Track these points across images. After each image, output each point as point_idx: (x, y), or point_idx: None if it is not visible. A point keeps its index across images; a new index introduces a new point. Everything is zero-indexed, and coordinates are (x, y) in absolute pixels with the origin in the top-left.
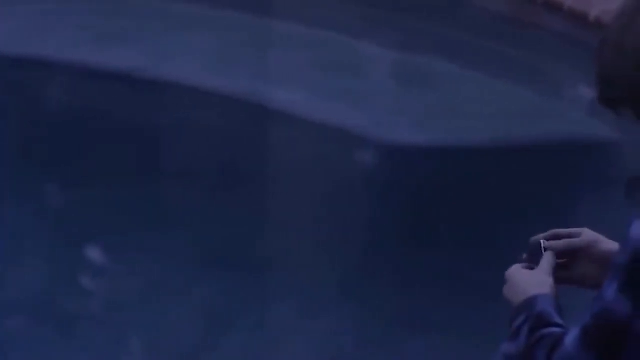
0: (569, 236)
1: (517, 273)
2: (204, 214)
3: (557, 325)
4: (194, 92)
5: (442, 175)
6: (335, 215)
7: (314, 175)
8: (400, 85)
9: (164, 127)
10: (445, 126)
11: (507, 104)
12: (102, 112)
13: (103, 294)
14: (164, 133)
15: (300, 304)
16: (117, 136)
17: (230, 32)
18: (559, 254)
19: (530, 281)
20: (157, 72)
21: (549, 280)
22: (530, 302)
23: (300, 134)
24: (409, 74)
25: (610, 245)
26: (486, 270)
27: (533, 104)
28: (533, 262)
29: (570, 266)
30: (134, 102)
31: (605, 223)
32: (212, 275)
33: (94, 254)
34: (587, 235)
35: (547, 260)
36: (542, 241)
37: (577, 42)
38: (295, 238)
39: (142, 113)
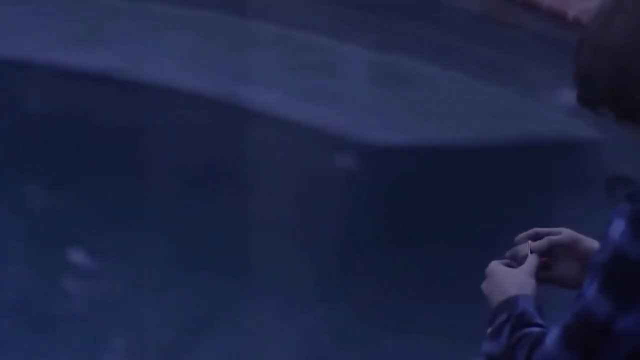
0: (549, 235)
1: (499, 270)
2: (183, 214)
3: (538, 325)
4: (171, 93)
5: (420, 174)
6: (314, 215)
7: (292, 175)
8: (377, 85)
9: (142, 128)
10: (423, 126)
11: (485, 103)
12: (81, 114)
13: (83, 295)
14: (142, 134)
15: (279, 305)
16: (96, 137)
17: (207, 33)
18: (542, 253)
19: (512, 281)
20: (135, 73)
21: (531, 282)
22: (512, 302)
23: (278, 134)
24: (386, 73)
25: (590, 243)
26: (467, 270)
27: (511, 104)
28: (516, 261)
29: (550, 266)
30: (112, 103)
31: (584, 222)
32: (192, 276)
33: (74, 255)
34: (566, 234)
35: (532, 261)
36: (529, 242)
37: (556, 41)
38: (274, 238)
39: (120, 114)
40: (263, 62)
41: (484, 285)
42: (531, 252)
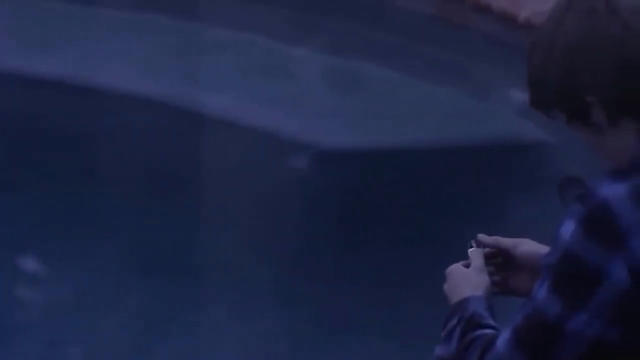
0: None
1: (455, 271)
2: (136, 220)
3: (489, 326)
4: (123, 98)
5: (373, 177)
6: (269, 219)
7: (246, 179)
8: (330, 89)
9: (94, 133)
10: (376, 129)
11: (438, 105)
12: (34, 119)
13: (36, 302)
14: (95, 139)
15: (234, 309)
16: (49, 143)
17: (159, 37)
18: (490, 253)
19: (465, 281)
20: (87, 78)
21: (484, 278)
22: (463, 304)
23: (231, 138)
24: (339, 77)
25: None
26: (422, 271)
27: (463, 106)
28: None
29: (508, 278)
30: (65, 109)
31: (537, 222)
32: (147, 281)
33: (27, 261)
34: (526, 244)
35: (477, 256)
36: (470, 242)
37: (507, 43)
38: (229, 242)
39: (73, 119)
40: (215, 66)
41: (445, 287)
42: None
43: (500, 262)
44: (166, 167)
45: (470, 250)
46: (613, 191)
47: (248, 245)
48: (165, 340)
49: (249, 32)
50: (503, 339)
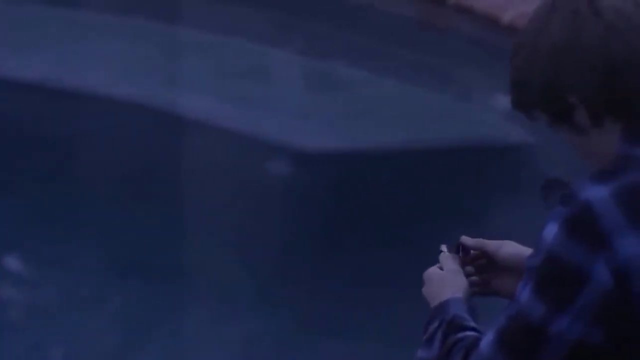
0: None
1: (432, 275)
2: (116, 223)
3: (471, 328)
4: (103, 101)
5: (353, 179)
6: (249, 221)
7: (226, 182)
8: (310, 91)
9: (75, 135)
10: (356, 131)
11: (419, 107)
12: (13, 122)
13: (18, 304)
14: (75, 142)
15: (216, 311)
16: (30, 146)
17: (138, 40)
18: (472, 256)
19: (444, 284)
20: (67, 81)
21: (463, 281)
22: (443, 307)
23: (212, 141)
24: (318, 79)
25: None
26: (403, 273)
27: (445, 108)
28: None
29: (491, 279)
30: (45, 112)
31: (521, 225)
32: (129, 284)
33: (9, 263)
34: (509, 246)
35: (446, 261)
36: (441, 246)
37: (489, 46)
38: (209, 245)
39: (53, 122)
40: (195, 69)
41: (423, 291)
42: (448, 251)
43: (484, 264)
44: (147, 170)
45: (441, 254)
46: (596, 193)
47: (229, 248)
48: (148, 343)
49: (228, 35)
50: (487, 341)
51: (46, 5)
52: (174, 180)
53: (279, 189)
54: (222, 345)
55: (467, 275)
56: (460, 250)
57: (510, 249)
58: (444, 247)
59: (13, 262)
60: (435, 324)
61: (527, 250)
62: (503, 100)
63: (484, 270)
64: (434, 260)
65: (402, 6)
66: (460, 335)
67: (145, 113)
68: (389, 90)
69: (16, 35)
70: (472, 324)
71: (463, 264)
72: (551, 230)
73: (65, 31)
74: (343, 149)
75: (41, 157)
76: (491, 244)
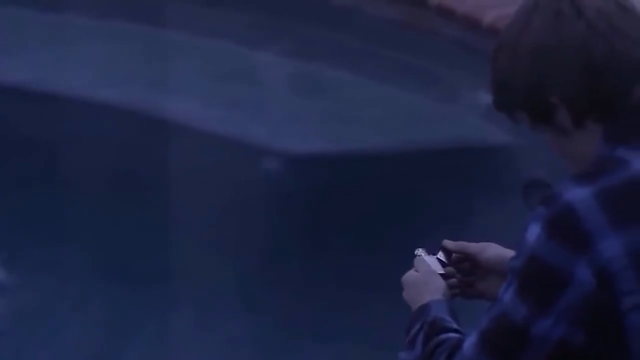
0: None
1: (411, 278)
2: (100, 226)
3: (453, 330)
4: (86, 104)
5: (340, 182)
6: (234, 225)
7: (212, 185)
8: (295, 94)
9: (58, 139)
10: (342, 133)
11: (403, 110)
12: None
13: (1, 310)
14: (58, 146)
15: (199, 315)
16: (12, 149)
17: (122, 43)
18: (454, 257)
19: (423, 287)
20: (51, 84)
21: (441, 283)
22: (424, 310)
23: (198, 145)
24: (304, 82)
25: None
26: (386, 276)
27: (428, 110)
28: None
29: (475, 282)
30: (27, 115)
31: (503, 226)
32: (110, 288)
33: None
34: (492, 249)
35: (421, 264)
36: (417, 249)
37: (471, 47)
38: (194, 249)
39: (35, 126)
40: (180, 72)
41: (404, 295)
42: (424, 255)
43: (468, 267)
44: (131, 173)
45: (416, 258)
46: (577, 194)
47: (213, 252)
48: (131, 347)
49: (214, 38)
50: (470, 343)
51: (30, 9)
52: (158, 184)
53: (264, 192)
54: (206, 349)
55: (449, 277)
56: (442, 254)
57: (493, 251)
58: (419, 251)
59: None
60: (417, 327)
61: (509, 252)
62: (485, 102)
63: (467, 273)
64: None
65: (385, 8)
66: (442, 337)
67: (129, 116)
68: (373, 92)
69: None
70: (454, 325)
71: (445, 266)
72: (533, 232)
73: (49, 34)
74: (329, 152)
75: (24, 161)
76: (473, 247)
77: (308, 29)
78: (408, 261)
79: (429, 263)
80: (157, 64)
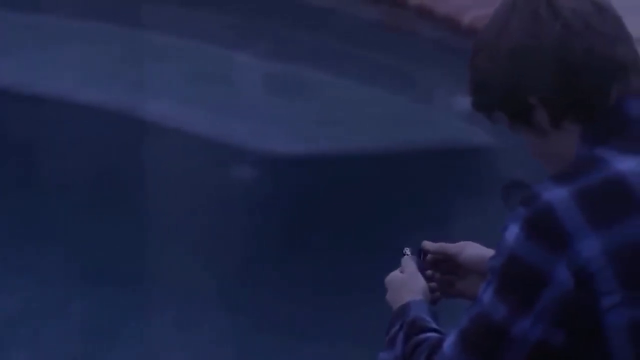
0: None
1: (392, 279)
2: (80, 228)
3: (432, 330)
4: (68, 106)
5: (320, 183)
6: (214, 226)
7: (192, 186)
8: (275, 95)
9: (38, 141)
10: (321, 134)
11: (382, 111)
12: None
13: None
14: (39, 147)
15: (180, 317)
16: None
17: (102, 45)
18: (436, 259)
19: (403, 287)
20: (31, 86)
21: (422, 283)
22: (403, 310)
23: (177, 146)
24: (283, 83)
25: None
26: (366, 277)
27: (408, 111)
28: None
29: (455, 282)
30: (8, 117)
31: (483, 227)
32: (90, 290)
33: None
34: (471, 248)
35: (408, 264)
36: (404, 249)
37: (450, 48)
38: (174, 250)
39: (16, 128)
40: (160, 73)
41: (387, 297)
42: (412, 254)
43: (448, 267)
44: (111, 175)
45: (404, 257)
46: (556, 194)
47: (194, 253)
48: (112, 349)
49: (193, 39)
50: (449, 342)
51: (9, 10)
52: (138, 186)
53: (243, 193)
54: (187, 349)
55: (428, 279)
56: (421, 255)
57: (472, 251)
58: (407, 250)
59: None
60: (397, 327)
61: (489, 252)
62: (464, 103)
63: (448, 273)
64: (399, 263)
65: (364, 9)
66: (422, 336)
67: (110, 118)
68: (352, 93)
69: None
70: (433, 325)
71: (424, 269)
72: (512, 232)
73: (29, 36)
74: (307, 153)
75: (5, 163)
76: (453, 247)
77: (287, 30)
78: (389, 261)
79: (415, 263)
80: (137, 65)
